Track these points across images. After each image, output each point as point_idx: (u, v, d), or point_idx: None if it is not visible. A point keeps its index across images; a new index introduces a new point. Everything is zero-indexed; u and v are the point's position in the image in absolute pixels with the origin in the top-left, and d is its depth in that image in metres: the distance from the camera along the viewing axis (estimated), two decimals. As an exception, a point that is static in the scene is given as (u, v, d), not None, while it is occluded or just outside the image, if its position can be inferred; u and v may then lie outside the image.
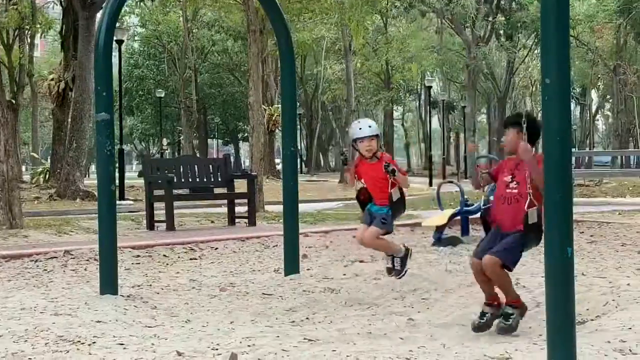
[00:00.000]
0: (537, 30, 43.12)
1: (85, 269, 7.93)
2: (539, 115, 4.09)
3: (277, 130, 42.74)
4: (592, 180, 26.78)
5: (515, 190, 4.94)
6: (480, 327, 4.95)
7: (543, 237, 4.47)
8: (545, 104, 3.80)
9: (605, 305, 5.31)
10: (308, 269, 7.68)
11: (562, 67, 3.77)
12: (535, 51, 55.19)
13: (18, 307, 5.67)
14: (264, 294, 6.52)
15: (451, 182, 14.75)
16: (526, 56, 58.68)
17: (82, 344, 4.40)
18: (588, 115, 71.89)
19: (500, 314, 4.95)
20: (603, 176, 27.85)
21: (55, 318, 5.22)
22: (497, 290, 5.04)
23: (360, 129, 6.34)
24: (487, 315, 4.98)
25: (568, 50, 3.83)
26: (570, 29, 4.69)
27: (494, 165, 5.91)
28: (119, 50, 29.17)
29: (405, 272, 6.45)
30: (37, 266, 8.13)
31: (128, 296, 6.22)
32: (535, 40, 51.65)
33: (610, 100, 67.57)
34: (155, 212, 12.89)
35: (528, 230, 4.86)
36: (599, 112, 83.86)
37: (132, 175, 44.55)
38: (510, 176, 5.00)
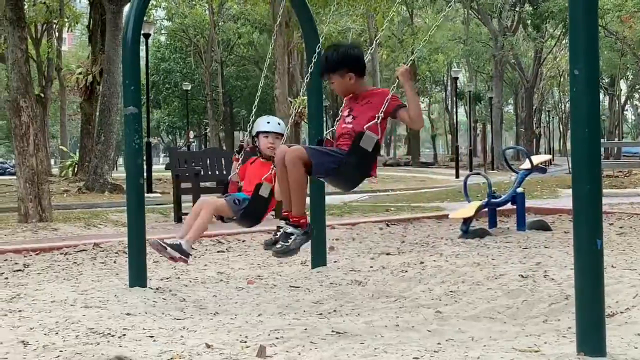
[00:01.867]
0: (565, 20, 42.77)
1: (115, 262, 7.99)
2: (567, 105, 4.07)
3: (303, 122, 42.80)
4: (622, 171, 26.57)
5: (350, 126, 4.72)
6: (269, 244, 4.75)
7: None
8: (573, 95, 3.78)
9: (635, 298, 5.27)
10: (335, 262, 7.69)
11: (590, 58, 3.73)
12: (564, 41, 54.77)
13: (48, 300, 5.73)
14: (291, 286, 6.53)
15: (478, 173, 14.69)
16: (554, 46, 58.27)
17: (112, 336, 4.44)
18: (617, 105, 71.27)
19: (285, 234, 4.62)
20: (632, 167, 27.64)
21: (85, 310, 5.27)
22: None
23: (268, 122, 5.97)
24: (279, 231, 4.65)
25: (597, 41, 3.79)
26: (599, 18, 4.64)
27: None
28: (146, 44, 29.28)
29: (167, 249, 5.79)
30: (67, 259, 8.21)
31: (157, 289, 6.26)
32: (563, 30, 51.23)
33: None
34: (182, 204, 12.96)
35: (352, 152, 4.54)
36: (628, 102, 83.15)
37: (160, 168, 44.91)
38: (348, 110, 4.79)
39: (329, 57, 4.87)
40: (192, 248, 5.81)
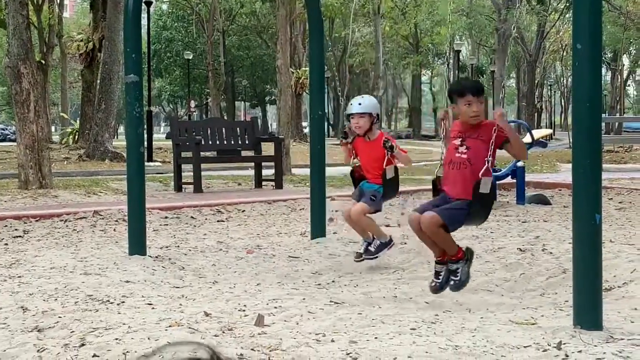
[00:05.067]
0: (568, -7, 42.47)
1: (114, 230, 8.01)
2: (569, 80, 4.05)
3: (304, 94, 42.71)
4: (622, 146, 26.54)
5: (465, 156, 4.61)
6: (439, 288, 4.74)
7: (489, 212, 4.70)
8: (575, 69, 3.77)
9: (633, 272, 5.28)
10: (334, 233, 7.70)
11: (593, 32, 3.72)
12: (567, 15, 54.47)
13: (48, 267, 5.75)
14: (290, 256, 6.55)
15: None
16: (557, 20, 57.95)
17: (111, 303, 4.46)
18: (619, 80, 70.96)
19: (449, 272, 4.73)
20: (633, 142, 27.60)
21: (85, 277, 5.29)
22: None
23: (351, 104, 6.20)
24: (441, 274, 4.74)
25: (600, 15, 3.78)
26: (603, -8, 4.57)
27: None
28: (148, 12, 29.10)
29: (376, 257, 6.15)
30: (67, 226, 8.23)
31: (156, 257, 6.28)
32: (567, 4, 50.92)
33: (642, 66, 66.69)
34: (183, 174, 12.97)
35: (476, 200, 4.55)
36: (630, 78, 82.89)
37: (160, 137, 44.83)
38: (460, 139, 4.66)
39: (476, 82, 4.96)
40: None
